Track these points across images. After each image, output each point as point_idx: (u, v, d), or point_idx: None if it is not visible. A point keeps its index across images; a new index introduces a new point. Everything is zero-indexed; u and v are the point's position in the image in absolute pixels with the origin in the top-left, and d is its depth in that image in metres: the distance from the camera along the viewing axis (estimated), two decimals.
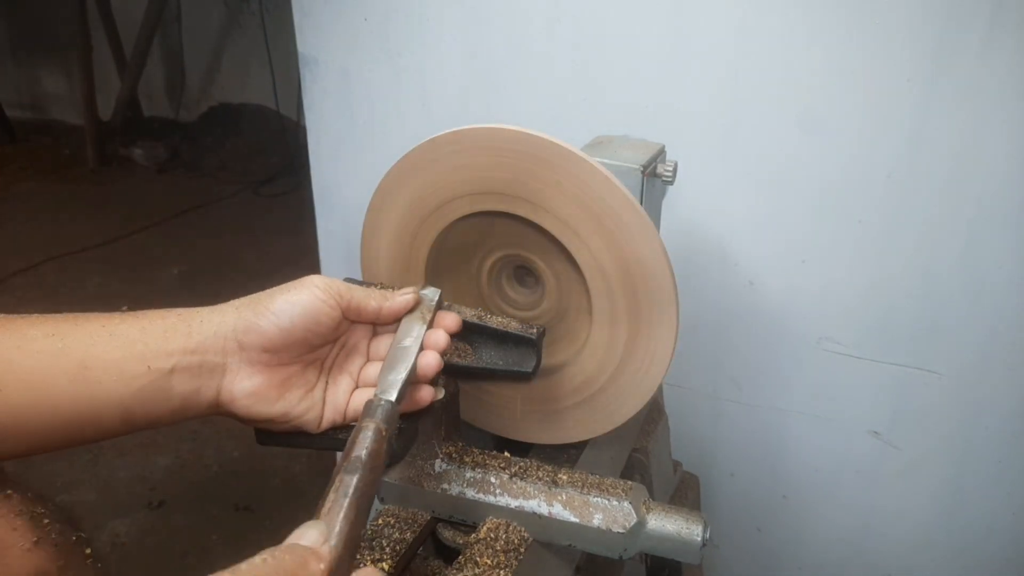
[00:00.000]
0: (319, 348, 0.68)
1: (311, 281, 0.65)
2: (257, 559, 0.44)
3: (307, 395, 0.67)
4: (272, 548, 0.46)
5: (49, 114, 5.10)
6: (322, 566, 0.46)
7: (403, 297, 0.69)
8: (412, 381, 0.65)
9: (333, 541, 0.48)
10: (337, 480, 0.53)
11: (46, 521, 0.53)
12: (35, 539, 0.51)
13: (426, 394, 0.69)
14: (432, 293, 0.72)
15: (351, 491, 0.52)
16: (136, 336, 0.59)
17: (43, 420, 0.56)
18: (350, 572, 0.49)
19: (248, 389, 0.63)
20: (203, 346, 0.61)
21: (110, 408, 0.58)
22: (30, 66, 5.03)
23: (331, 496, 0.52)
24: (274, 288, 0.65)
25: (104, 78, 4.38)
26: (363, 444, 0.56)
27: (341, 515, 0.50)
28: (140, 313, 0.62)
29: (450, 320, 0.71)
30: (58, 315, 0.59)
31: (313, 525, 0.49)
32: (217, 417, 0.65)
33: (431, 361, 0.66)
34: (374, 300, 0.68)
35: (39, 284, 3.16)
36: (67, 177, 4.27)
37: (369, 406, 0.61)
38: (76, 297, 3.06)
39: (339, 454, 0.58)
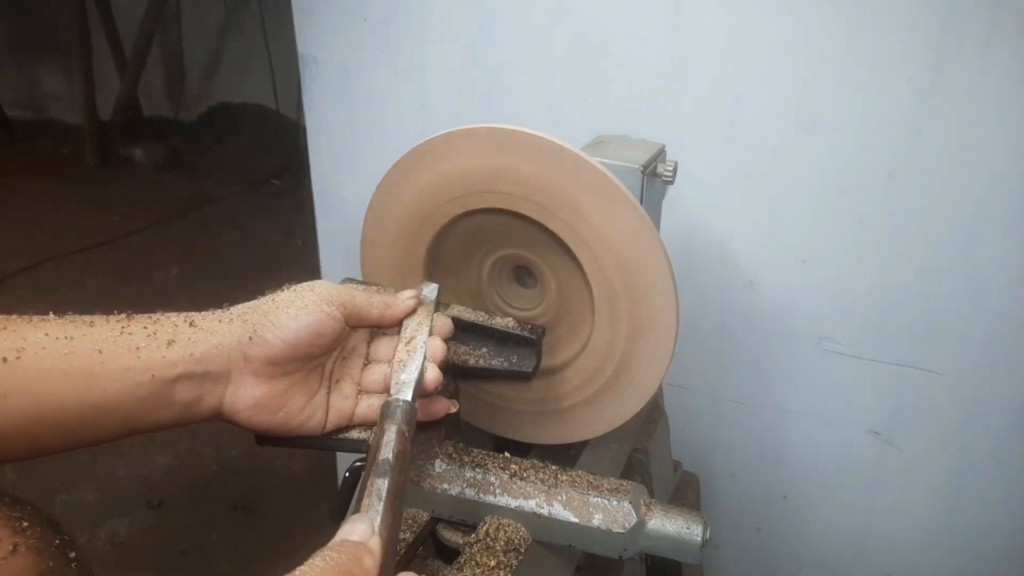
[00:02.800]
0: (321, 357, 0.68)
1: (315, 292, 0.65)
2: (317, 560, 0.45)
3: (308, 403, 0.66)
4: (324, 548, 0.47)
5: (49, 114, 5.09)
6: (374, 561, 0.47)
7: (404, 304, 0.69)
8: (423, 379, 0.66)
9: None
10: (369, 484, 0.53)
11: (25, 525, 0.52)
12: (13, 546, 0.50)
13: (441, 407, 0.70)
14: (431, 290, 0.72)
15: (384, 494, 0.52)
16: (142, 343, 0.58)
17: (46, 426, 0.55)
18: (393, 574, 0.49)
19: (251, 400, 0.63)
20: (208, 356, 0.60)
21: (113, 414, 0.58)
22: (30, 66, 5.03)
23: (365, 501, 0.52)
24: (278, 296, 0.65)
25: (104, 78, 4.37)
26: (388, 447, 0.57)
27: (379, 519, 0.50)
28: (146, 318, 0.61)
29: (442, 325, 0.71)
30: (65, 318, 0.58)
31: (360, 519, 0.50)
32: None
33: (431, 375, 0.66)
34: (376, 309, 0.68)
35: (39, 284, 3.16)
36: (67, 177, 4.26)
37: (387, 408, 0.61)
38: (76, 297, 3.06)
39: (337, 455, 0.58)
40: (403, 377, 0.64)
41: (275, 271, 3.25)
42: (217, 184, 4.19)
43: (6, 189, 4.05)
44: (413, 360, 0.65)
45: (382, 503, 0.52)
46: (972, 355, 1.16)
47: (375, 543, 0.48)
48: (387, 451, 0.56)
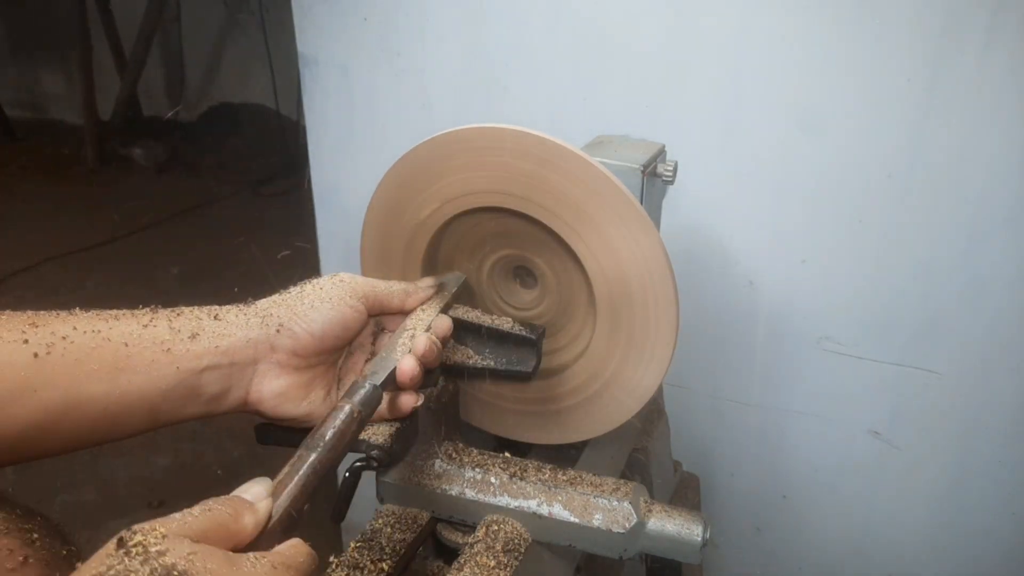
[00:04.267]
0: (343, 349, 0.68)
1: (339, 285, 0.66)
2: (196, 508, 0.45)
3: (328, 395, 0.68)
4: (214, 499, 0.47)
5: (49, 114, 5.10)
6: (254, 520, 0.47)
7: (424, 292, 0.72)
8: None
9: (273, 509, 0.49)
10: (296, 454, 0.54)
11: (35, 536, 0.53)
12: (24, 557, 0.51)
13: (407, 400, 0.67)
14: (457, 279, 0.73)
15: (305, 467, 0.53)
16: (167, 336, 0.59)
17: (74, 419, 0.56)
18: (279, 542, 0.49)
19: (277, 390, 0.64)
20: (233, 348, 0.61)
21: (139, 407, 0.58)
22: (30, 66, 5.03)
23: (286, 469, 0.52)
24: (304, 289, 0.66)
25: (104, 78, 4.38)
26: (332, 423, 0.57)
27: (287, 489, 0.51)
28: (170, 311, 0.62)
29: (440, 324, 0.71)
30: (91, 312, 0.59)
31: (260, 481, 0.50)
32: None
33: (405, 364, 0.64)
34: (396, 297, 0.70)
35: (39, 284, 3.16)
36: (67, 177, 4.27)
37: (352, 387, 0.61)
38: (76, 297, 3.06)
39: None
40: (384, 362, 0.64)
41: (275, 271, 3.25)
42: (217, 184, 4.19)
43: (6, 189, 4.05)
44: (399, 348, 0.66)
45: (298, 475, 0.52)
46: (972, 355, 1.16)
47: (263, 505, 0.48)
48: (328, 428, 0.56)
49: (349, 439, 0.57)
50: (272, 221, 3.75)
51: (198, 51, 4.64)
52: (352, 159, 1.49)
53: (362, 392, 0.60)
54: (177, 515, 0.44)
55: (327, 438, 0.55)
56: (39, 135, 4.80)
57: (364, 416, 0.59)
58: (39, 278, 3.21)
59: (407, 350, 0.66)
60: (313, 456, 0.53)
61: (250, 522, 0.47)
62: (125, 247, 3.53)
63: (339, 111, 1.46)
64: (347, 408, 0.58)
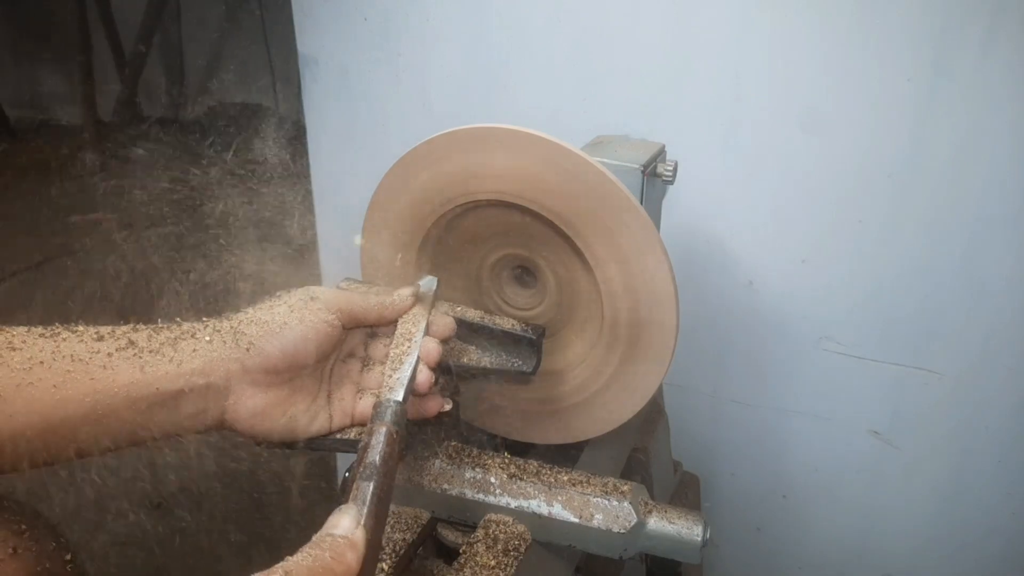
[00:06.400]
0: (321, 362, 0.67)
1: (311, 300, 0.65)
2: (298, 556, 0.45)
3: (311, 406, 0.66)
4: (309, 543, 0.47)
5: (49, 114, 5.09)
6: (356, 556, 0.47)
7: (401, 303, 0.69)
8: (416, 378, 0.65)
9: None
10: (354, 488, 0.53)
11: (24, 528, 0.53)
12: (13, 548, 0.51)
13: (433, 405, 0.69)
14: (428, 284, 0.72)
15: (369, 496, 0.52)
16: (146, 357, 0.59)
17: (50, 441, 0.55)
18: (374, 572, 0.49)
19: (252, 410, 0.63)
20: (208, 368, 0.60)
21: (118, 428, 0.58)
22: (30, 66, 5.03)
23: (350, 504, 0.52)
24: (275, 304, 0.65)
25: (104, 78, 4.38)
26: (376, 449, 0.56)
27: (361, 522, 0.50)
28: (150, 330, 0.61)
29: (443, 325, 0.71)
30: (72, 332, 0.58)
31: (346, 511, 0.50)
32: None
33: (422, 377, 0.65)
34: (373, 311, 0.68)
35: (39, 284, 3.16)
36: (67, 177, 4.26)
37: (378, 408, 0.61)
38: (76, 297, 3.06)
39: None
40: (395, 376, 0.64)
41: (275, 271, 3.25)
42: (217, 184, 4.19)
43: (6, 189, 4.05)
44: (406, 359, 0.65)
45: (366, 507, 0.52)
46: (973, 355, 1.16)
47: (359, 536, 0.48)
48: (374, 454, 0.56)
49: (395, 459, 0.57)
50: (272, 221, 3.75)
51: (198, 51, 4.64)
52: (352, 159, 1.49)
53: (390, 411, 0.60)
54: (286, 565, 0.44)
55: (377, 464, 0.55)
56: (39, 135, 4.80)
57: (400, 433, 0.60)
58: (39, 278, 3.20)
59: (415, 359, 0.65)
60: (372, 485, 0.53)
61: (353, 558, 0.47)
62: (125, 247, 3.53)
63: (339, 111, 1.46)
64: (383, 431, 0.58)
